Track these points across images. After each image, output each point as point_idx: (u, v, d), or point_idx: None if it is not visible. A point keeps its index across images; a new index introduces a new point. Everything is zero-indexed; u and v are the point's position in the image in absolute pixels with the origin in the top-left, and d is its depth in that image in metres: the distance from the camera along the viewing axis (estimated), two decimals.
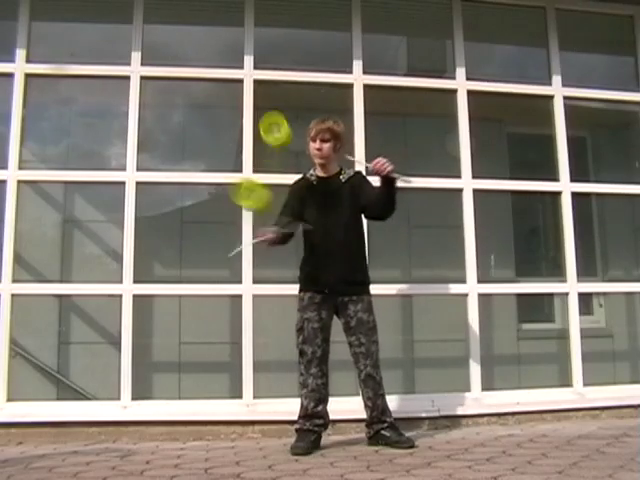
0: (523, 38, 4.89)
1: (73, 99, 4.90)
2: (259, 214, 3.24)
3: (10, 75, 4.05)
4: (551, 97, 4.52)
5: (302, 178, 3.47)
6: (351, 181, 3.39)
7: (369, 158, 4.11)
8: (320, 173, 3.42)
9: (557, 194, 4.48)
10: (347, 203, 3.34)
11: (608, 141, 5.68)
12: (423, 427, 3.77)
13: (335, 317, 3.38)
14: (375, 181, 3.31)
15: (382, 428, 3.27)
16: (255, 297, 3.99)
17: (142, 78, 4.13)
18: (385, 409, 3.31)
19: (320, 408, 3.25)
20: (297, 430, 3.27)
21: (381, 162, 3.12)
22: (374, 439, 3.30)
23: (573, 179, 4.46)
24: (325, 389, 3.29)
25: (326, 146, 3.34)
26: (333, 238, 3.29)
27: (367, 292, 3.38)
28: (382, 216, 3.33)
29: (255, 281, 3.99)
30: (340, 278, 3.28)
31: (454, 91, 4.40)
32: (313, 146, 3.35)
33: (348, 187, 3.36)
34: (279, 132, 3.20)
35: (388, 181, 3.16)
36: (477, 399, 4.04)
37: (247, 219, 4.03)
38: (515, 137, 5.56)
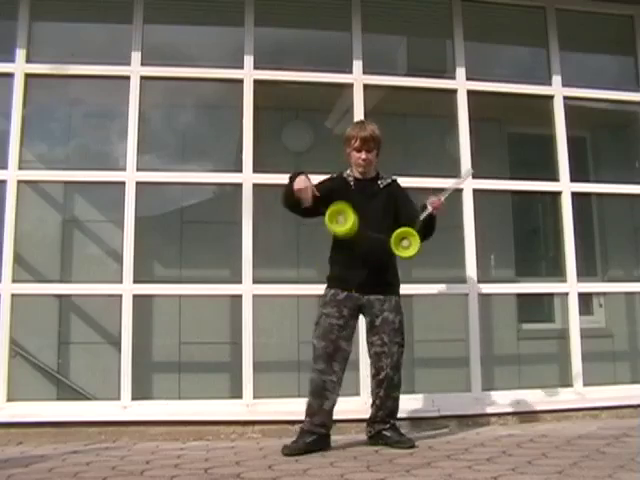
0: (523, 38, 4.89)
1: (73, 99, 4.90)
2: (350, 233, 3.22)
3: (10, 75, 4.05)
4: (551, 97, 4.52)
5: (338, 177, 3.41)
6: (389, 188, 3.38)
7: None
8: (358, 175, 3.38)
9: (557, 194, 4.48)
10: (382, 207, 3.31)
11: (608, 141, 5.68)
12: (423, 427, 3.77)
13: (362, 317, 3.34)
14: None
15: (384, 429, 3.26)
16: (255, 297, 3.98)
17: (142, 78, 4.13)
18: (393, 412, 3.28)
19: (322, 405, 3.16)
20: (300, 428, 3.22)
21: (437, 203, 3.24)
22: (374, 438, 3.30)
23: (573, 179, 4.46)
24: (332, 387, 3.16)
25: (371, 155, 3.33)
26: (366, 239, 3.21)
27: (396, 293, 3.35)
28: (425, 239, 3.33)
29: (255, 281, 3.99)
30: (369, 279, 3.25)
31: (454, 91, 4.40)
32: (358, 156, 3.32)
33: (385, 193, 3.36)
34: (345, 221, 3.18)
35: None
36: (477, 399, 4.04)
37: (247, 219, 4.04)
38: (515, 137, 5.56)
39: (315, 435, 3.16)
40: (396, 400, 3.28)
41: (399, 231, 3.22)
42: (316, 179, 3.40)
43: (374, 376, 3.28)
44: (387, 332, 3.24)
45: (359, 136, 3.30)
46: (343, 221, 3.18)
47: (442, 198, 3.28)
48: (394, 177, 3.48)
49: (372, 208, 3.29)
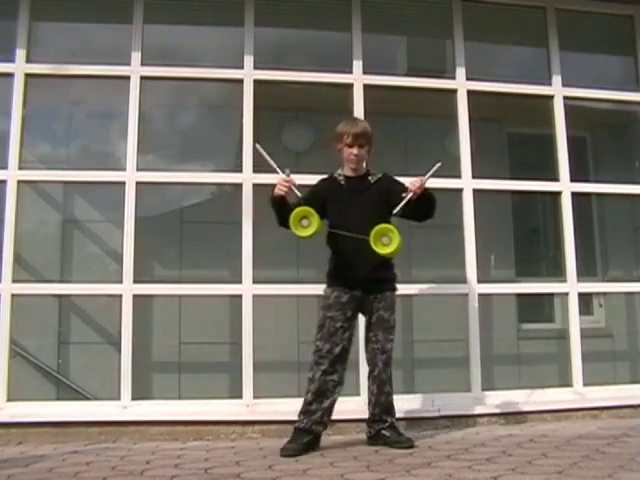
0: (523, 38, 4.90)
1: (73, 99, 4.91)
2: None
3: (10, 75, 4.05)
4: (551, 97, 4.52)
5: (329, 178, 3.43)
6: (380, 182, 3.37)
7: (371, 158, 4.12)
8: (349, 173, 3.39)
9: (557, 194, 4.47)
10: (375, 203, 3.30)
11: (608, 141, 5.68)
12: (423, 427, 3.77)
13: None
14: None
15: (383, 428, 3.26)
16: (255, 297, 3.98)
17: (142, 78, 4.12)
18: (389, 408, 3.29)
19: (322, 405, 3.18)
20: (295, 428, 3.21)
21: (416, 186, 3.13)
22: (374, 438, 3.30)
23: (573, 179, 4.45)
24: (335, 388, 3.21)
25: (363, 151, 3.34)
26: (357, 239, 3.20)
27: (392, 289, 3.37)
28: (425, 219, 3.31)
29: (255, 281, 3.99)
30: (368, 276, 3.26)
31: (454, 91, 4.40)
32: (350, 151, 3.32)
33: (376, 188, 3.35)
34: (309, 224, 3.13)
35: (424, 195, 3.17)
36: (477, 399, 4.04)
37: (247, 219, 4.04)
38: (515, 137, 5.56)
39: (312, 435, 3.18)
40: (389, 395, 3.30)
41: (378, 228, 3.12)
42: (315, 179, 3.46)
43: (370, 372, 3.34)
44: (382, 330, 3.30)
45: (351, 132, 3.32)
46: (307, 224, 3.14)
47: (424, 179, 3.17)
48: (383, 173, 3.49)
49: (363, 205, 3.29)
